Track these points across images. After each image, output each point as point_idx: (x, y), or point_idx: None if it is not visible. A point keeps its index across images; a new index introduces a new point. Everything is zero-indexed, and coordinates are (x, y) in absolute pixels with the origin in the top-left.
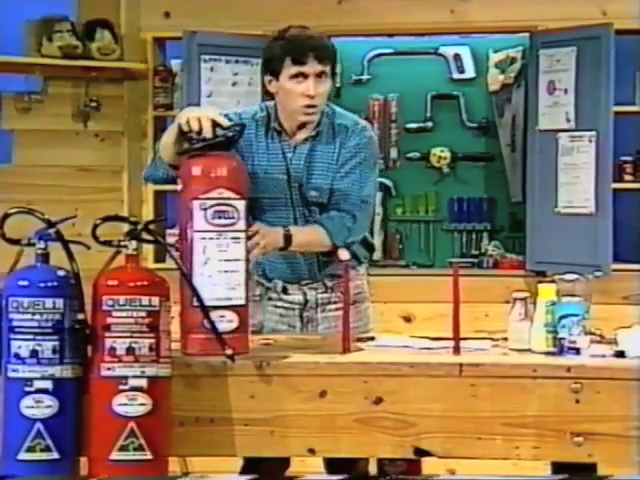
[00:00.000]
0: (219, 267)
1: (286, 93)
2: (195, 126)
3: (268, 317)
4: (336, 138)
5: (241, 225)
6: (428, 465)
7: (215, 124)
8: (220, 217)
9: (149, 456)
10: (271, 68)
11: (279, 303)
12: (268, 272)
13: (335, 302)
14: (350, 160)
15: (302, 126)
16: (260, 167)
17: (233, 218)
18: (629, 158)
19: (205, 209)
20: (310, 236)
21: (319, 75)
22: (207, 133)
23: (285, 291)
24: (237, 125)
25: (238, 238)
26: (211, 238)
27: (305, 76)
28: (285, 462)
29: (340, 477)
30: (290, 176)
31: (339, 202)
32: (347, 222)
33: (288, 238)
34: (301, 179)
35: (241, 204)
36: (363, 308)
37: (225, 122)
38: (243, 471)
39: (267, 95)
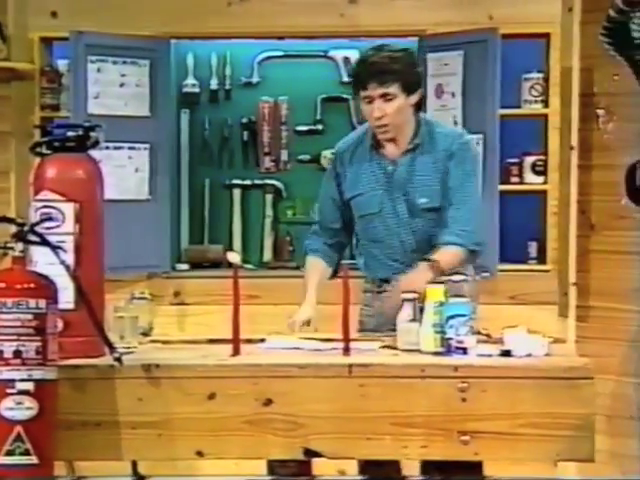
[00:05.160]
0: (44, 271)
1: (363, 114)
2: None
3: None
4: (437, 145)
5: (66, 228)
6: (320, 466)
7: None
8: (45, 220)
9: (35, 460)
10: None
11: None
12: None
13: None
14: (458, 165)
15: (391, 140)
16: (362, 185)
17: (57, 221)
18: (515, 160)
19: (35, 211)
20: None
21: (383, 96)
22: None
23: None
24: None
25: (63, 242)
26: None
27: (372, 99)
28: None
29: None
30: (392, 189)
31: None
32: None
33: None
34: (405, 189)
35: (67, 207)
36: None
37: None
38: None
39: None
